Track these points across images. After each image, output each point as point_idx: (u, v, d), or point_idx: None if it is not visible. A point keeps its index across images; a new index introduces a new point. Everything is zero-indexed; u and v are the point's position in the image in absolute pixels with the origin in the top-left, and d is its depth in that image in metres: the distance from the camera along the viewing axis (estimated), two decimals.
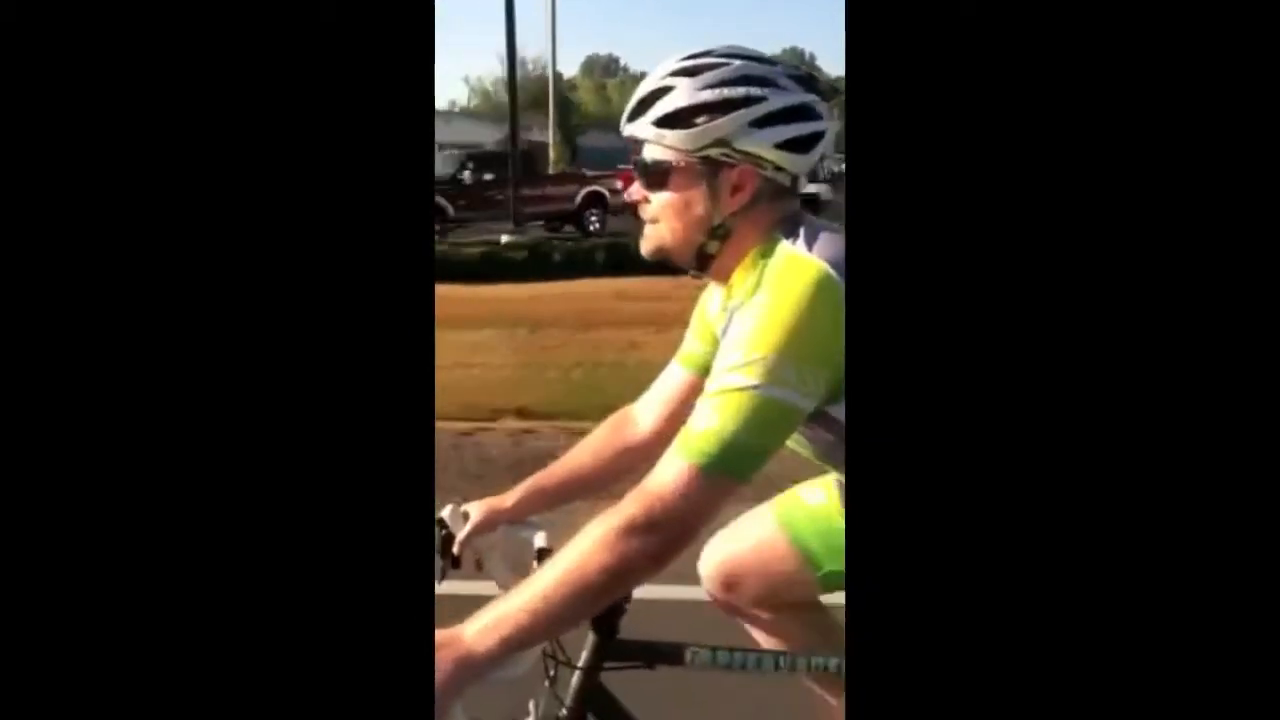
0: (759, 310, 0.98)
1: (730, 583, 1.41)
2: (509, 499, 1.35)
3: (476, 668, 0.95)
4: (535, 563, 1.23)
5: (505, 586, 1.22)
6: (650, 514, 0.93)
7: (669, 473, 0.95)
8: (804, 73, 1.16)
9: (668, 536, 0.93)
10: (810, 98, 1.12)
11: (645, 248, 1.15)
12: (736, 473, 0.95)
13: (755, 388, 0.94)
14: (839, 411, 1.03)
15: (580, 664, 1.22)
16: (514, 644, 0.95)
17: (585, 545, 0.94)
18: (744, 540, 1.42)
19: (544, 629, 0.96)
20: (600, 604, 0.98)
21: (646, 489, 0.96)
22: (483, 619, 0.98)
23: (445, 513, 1.35)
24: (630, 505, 0.95)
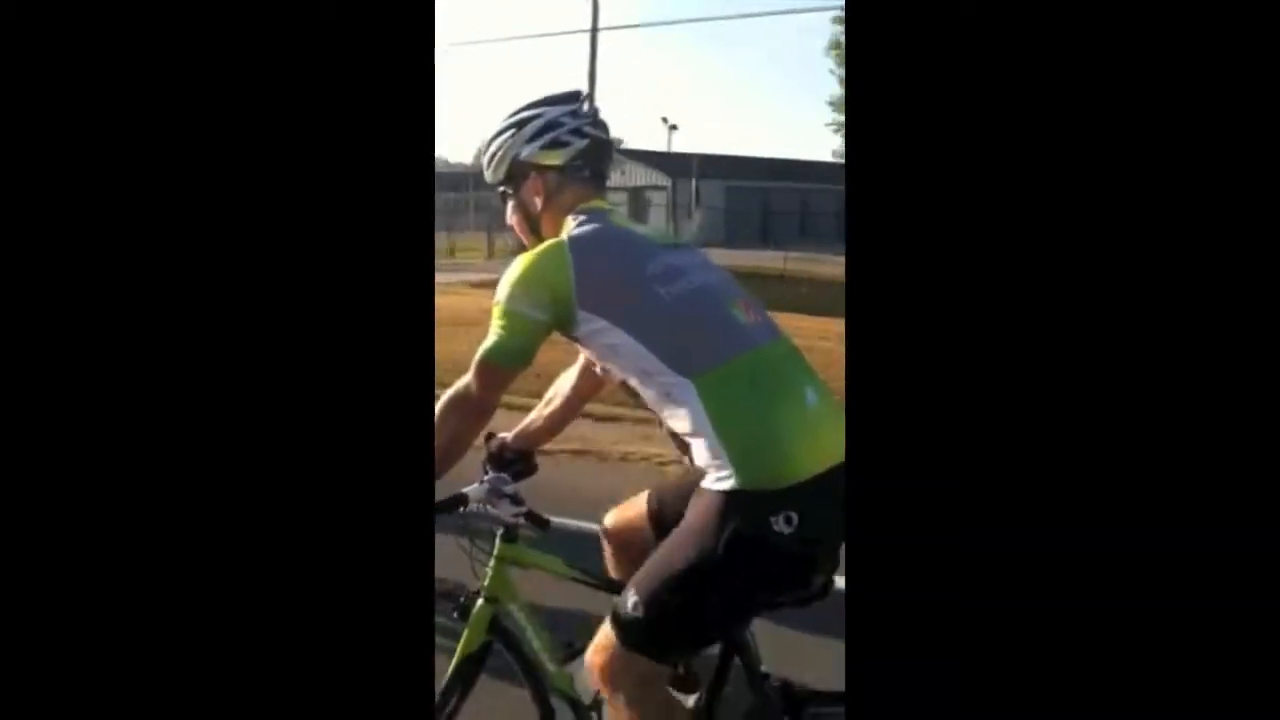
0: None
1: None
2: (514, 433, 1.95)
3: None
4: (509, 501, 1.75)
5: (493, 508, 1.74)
6: (466, 383, 1.57)
7: (473, 362, 1.57)
8: (579, 99, 1.67)
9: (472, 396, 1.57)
10: (559, 111, 1.62)
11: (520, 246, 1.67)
12: (497, 359, 1.53)
13: (500, 303, 1.52)
14: (595, 343, 1.52)
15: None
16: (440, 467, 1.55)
17: (441, 404, 1.57)
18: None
19: (444, 458, 1.56)
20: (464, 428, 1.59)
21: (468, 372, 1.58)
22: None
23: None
24: (459, 381, 1.59)
